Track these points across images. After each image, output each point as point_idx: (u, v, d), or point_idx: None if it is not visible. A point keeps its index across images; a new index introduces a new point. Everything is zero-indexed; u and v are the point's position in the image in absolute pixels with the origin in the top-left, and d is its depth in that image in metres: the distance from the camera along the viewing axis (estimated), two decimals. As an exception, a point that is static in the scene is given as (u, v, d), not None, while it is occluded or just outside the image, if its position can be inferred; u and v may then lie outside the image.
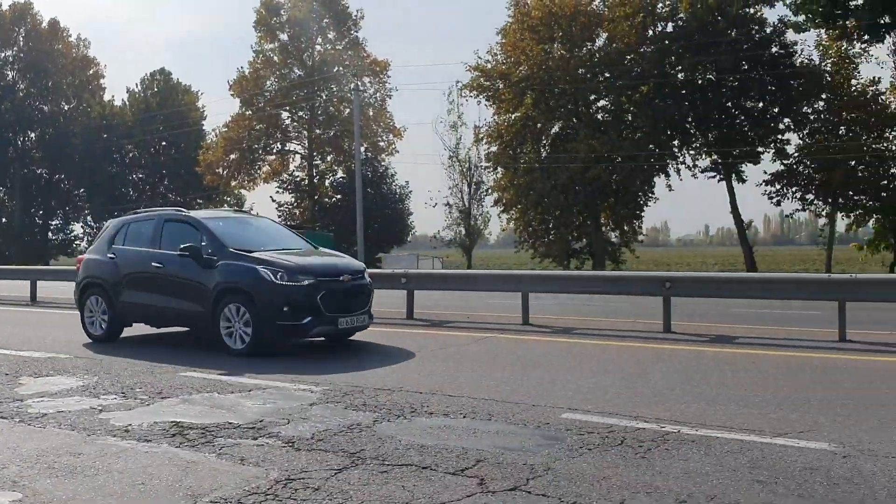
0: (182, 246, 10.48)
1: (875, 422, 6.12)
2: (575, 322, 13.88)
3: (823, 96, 36.11)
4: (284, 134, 54.78)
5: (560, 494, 4.45)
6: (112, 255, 11.67)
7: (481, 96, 42.05)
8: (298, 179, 55.42)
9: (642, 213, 41.13)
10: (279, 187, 54.74)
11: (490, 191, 44.08)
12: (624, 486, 4.59)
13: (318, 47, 54.29)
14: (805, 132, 36.75)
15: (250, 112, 53.50)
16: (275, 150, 55.12)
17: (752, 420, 6.19)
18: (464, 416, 6.41)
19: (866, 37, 31.39)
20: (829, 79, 35.62)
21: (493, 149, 42.45)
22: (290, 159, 55.66)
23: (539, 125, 40.50)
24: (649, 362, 9.31)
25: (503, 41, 41.16)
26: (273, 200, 54.92)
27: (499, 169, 42.70)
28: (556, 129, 41.67)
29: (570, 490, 4.53)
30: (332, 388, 7.69)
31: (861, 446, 5.39)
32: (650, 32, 38.46)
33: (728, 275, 14.62)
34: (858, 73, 35.73)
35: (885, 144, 35.03)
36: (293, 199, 55.25)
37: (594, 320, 14.22)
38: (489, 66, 41.61)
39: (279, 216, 54.57)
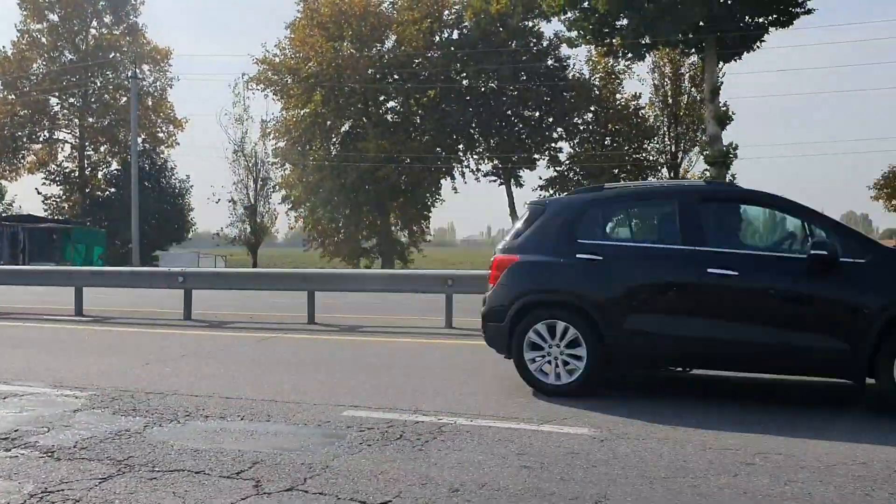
0: (816, 241, 6.50)
1: (629, 407, 6.67)
2: (361, 320, 13.98)
3: (592, 108, 38.95)
4: (53, 121, 50.72)
5: (337, 492, 4.47)
6: (591, 256, 7.24)
7: (268, 90, 41.25)
8: (68, 171, 51.48)
9: (430, 214, 42.24)
10: (46, 179, 50.59)
11: (277, 187, 43.29)
12: (400, 480, 4.68)
13: (92, 31, 50.77)
14: (575, 141, 39.47)
15: (13, 96, 49.03)
16: (41, 139, 50.91)
17: (521, 409, 6.55)
18: (241, 419, 6.26)
19: (630, 55, 34.16)
20: (598, 92, 38.49)
21: (281, 144, 41.81)
22: (59, 149, 51.64)
23: (329, 122, 40.37)
24: (431, 356, 9.59)
25: (292, 36, 40.61)
26: (39, 193, 50.65)
27: (287, 165, 42.07)
28: (346, 127, 41.72)
29: (348, 487, 4.56)
30: (98, 393, 7.21)
31: (616, 430, 5.86)
32: (437, 38, 39.53)
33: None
34: (622, 88, 39.02)
35: (644, 154, 38.40)
36: (61, 192, 51.27)
37: (381, 318, 14.40)
38: (277, 60, 40.87)
39: (45, 210, 50.39)
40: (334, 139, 41.58)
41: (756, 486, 4.57)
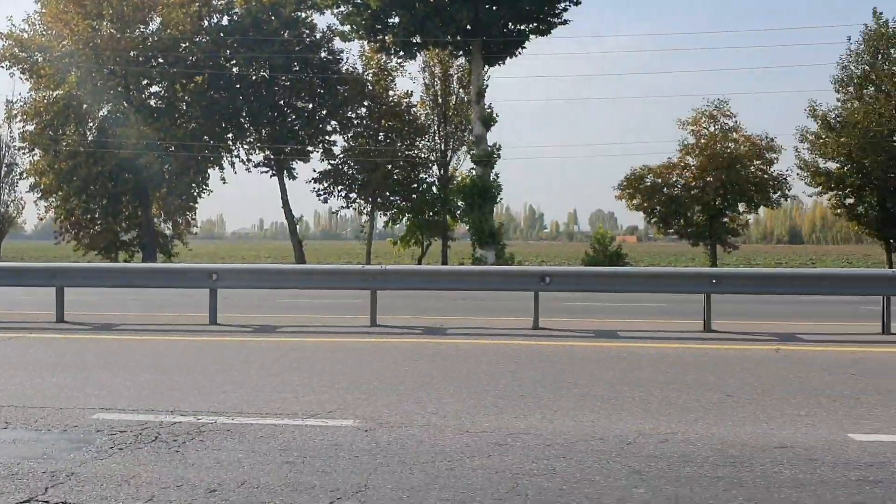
0: None
1: (394, 397, 6.84)
2: (117, 318, 13.14)
3: (366, 103, 39.20)
4: None
5: (83, 499, 4.19)
6: None
7: (15, 68, 37.54)
8: None
9: (196, 205, 40.52)
10: None
11: (25, 174, 39.51)
12: (154, 483, 4.48)
13: None
14: (349, 135, 39.56)
15: None
16: None
17: (286, 404, 6.50)
18: (-27, 427, 5.68)
19: (401, 53, 34.83)
20: (371, 88, 38.81)
21: (30, 128, 38.14)
22: None
23: (85, 106, 37.44)
24: (193, 355, 9.24)
25: (43, 11, 37.21)
26: None
27: (36, 150, 38.49)
28: (104, 111, 38.91)
29: (95, 493, 4.29)
30: None
31: (380, 420, 5.99)
32: (206, 23, 38.00)
33: (272, 266, 15.06)
34: (395, 85, 39.54)
35: (415, 152, 39.30)
36: None
37: (139, 315, 13.64)
38: (26, 36, 37.30)
39: None
40: (91, 124, 38.59)
41: (507, 465, 4.86)
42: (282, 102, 38.89)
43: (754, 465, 4.90)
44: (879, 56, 33.06)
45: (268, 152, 39.08)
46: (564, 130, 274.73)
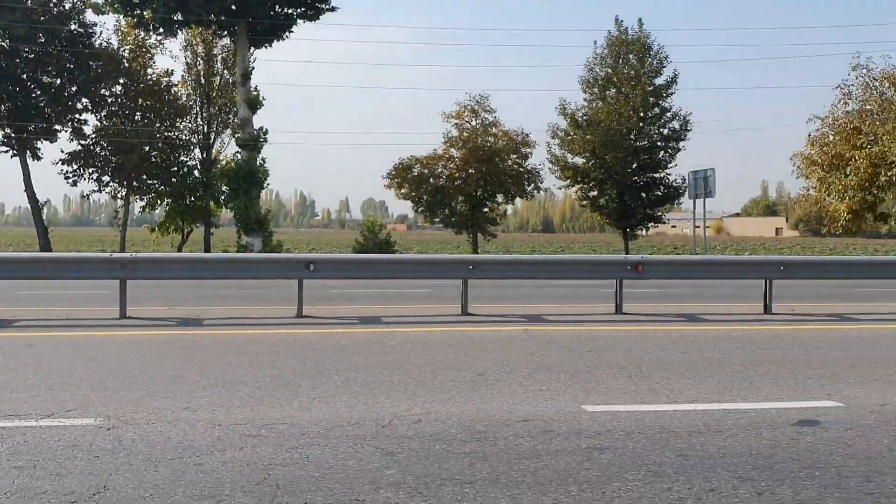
0: None
1: (142, 392, 6.50)
2: None
3: (122, 81, 36.74)
4: None
5: None
6: None
7: None
8: None
9: (-82, 187, 35.99)
10: None
11: None
12: None
13: None
14: (103, 114, 36.91)
15: None
16: None
17: (19, 405, 5.98)
18: None
19: (161, 30, 33.00)
20: (128, 65, 36.41)
21: None
22: None
23: None
24: None
25: None
26: None
27: None
28: None
29: None
30: None
31: (126, 417, 5.67)
32: (-73, -19, 33.73)
33: (6, 255, 13.67)
34: (154, 63, 37.36)
35: (176, 133, 37.44)
36: None
37: None
38: None
39: None
40: None
41: (260, 456, 4.80)
42: (25, 76, 35.43)
43: (498, 440, 5.21)
44: (620, 60, 36.23)
45: (8, 130, 35.49)
46: (338, 118, 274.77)
